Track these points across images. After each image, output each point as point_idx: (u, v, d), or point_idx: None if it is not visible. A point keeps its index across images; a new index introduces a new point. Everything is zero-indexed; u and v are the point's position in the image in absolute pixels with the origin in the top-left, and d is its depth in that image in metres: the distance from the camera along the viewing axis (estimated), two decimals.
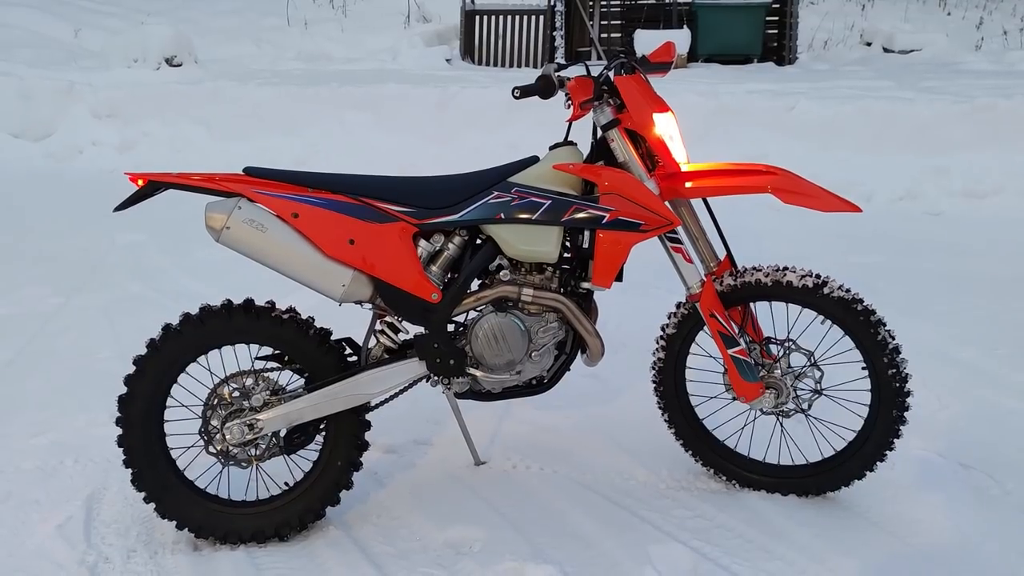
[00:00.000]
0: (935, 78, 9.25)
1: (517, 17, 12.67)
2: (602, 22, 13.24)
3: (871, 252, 5.55)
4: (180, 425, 2.61)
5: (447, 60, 12.47)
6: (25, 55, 10.87)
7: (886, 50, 13.19)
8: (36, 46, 11.74)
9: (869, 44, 13.60)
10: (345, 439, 2.64)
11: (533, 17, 12.59)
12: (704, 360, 2.87)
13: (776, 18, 12.74)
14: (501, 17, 12.70)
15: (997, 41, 13.45)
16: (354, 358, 2.70)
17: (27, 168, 8.12)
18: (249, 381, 2.61)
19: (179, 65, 10.75)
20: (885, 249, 5.63)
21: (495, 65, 12.68)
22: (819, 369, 2.72)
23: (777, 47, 12.78)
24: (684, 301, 2.77)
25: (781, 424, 2.84)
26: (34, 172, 8.04)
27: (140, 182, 2.54)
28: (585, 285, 2.64)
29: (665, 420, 2.91)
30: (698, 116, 7.30)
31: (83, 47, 12.30)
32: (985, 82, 8.60)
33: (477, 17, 12.72)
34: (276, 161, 7.63)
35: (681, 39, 11.75)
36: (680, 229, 2.67)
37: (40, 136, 8.63)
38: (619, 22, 13.26)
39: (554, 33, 12.70)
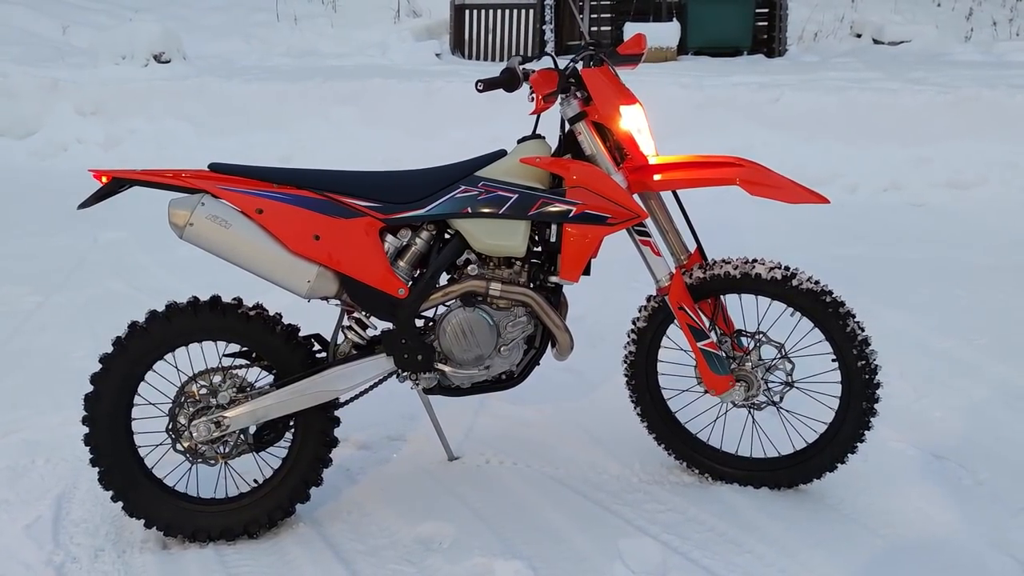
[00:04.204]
0: (923, 69, 9.24)
1: (507, 11, 12.66)
2: (592, 15, 13.21)
3: (854, 243, 5.54)
4: (149, 423, 2.60)
5: (437, 55, 12.44)
6: (13, 52, 10.82)
7: (876, 41, 13.20)
8: (24, 43, 11.70)
9: (859, 36, 13.61)
10: (314, 436, 2.62)
11: (523, 11, 12.57)
12: (676, 353, 2.86)
13: (766, 10, 12.73)
14: (491, 11, 12.68)
15: (986, 32, 13.45)
16: (323, 354, 2.69)
17: (11, 166, 8.09)
18: (217, 378, 2.59)
19: (167, 62, 10.71)
20: (868, 240, 5.62)
21: (485, 59, 12.67)
22: (790, 361, 2.71)
23: (767, 39, 12.78)
24: (654, 294, 2.76)
25: (753, 417, 2.83)
26: (18, 170, 8.01)
27: (104, 179, 2.52)
28: (553, 279, 2.63)
29: (637, 414, 2.91)
30: (683, 108, 7.30)
31: (71, 44, 12.26)
32: (973, 72, 8.60)
33: (467, 11, 12.70)
34: (262, 157, 7.64)
35: (670, 32, 11.74)
36: (649, 222, 2.66)
37: (24, 134, 8.59)
38: (609, 15, 13.23)
39: (544, 27, 12.68)
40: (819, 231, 5.68)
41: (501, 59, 12.59)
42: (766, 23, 12.81)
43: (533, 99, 2.55)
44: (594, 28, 13.23)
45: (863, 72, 9.21)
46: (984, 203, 6.22)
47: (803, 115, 7.23)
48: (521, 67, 2.55)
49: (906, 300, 4.53)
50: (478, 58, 12.71)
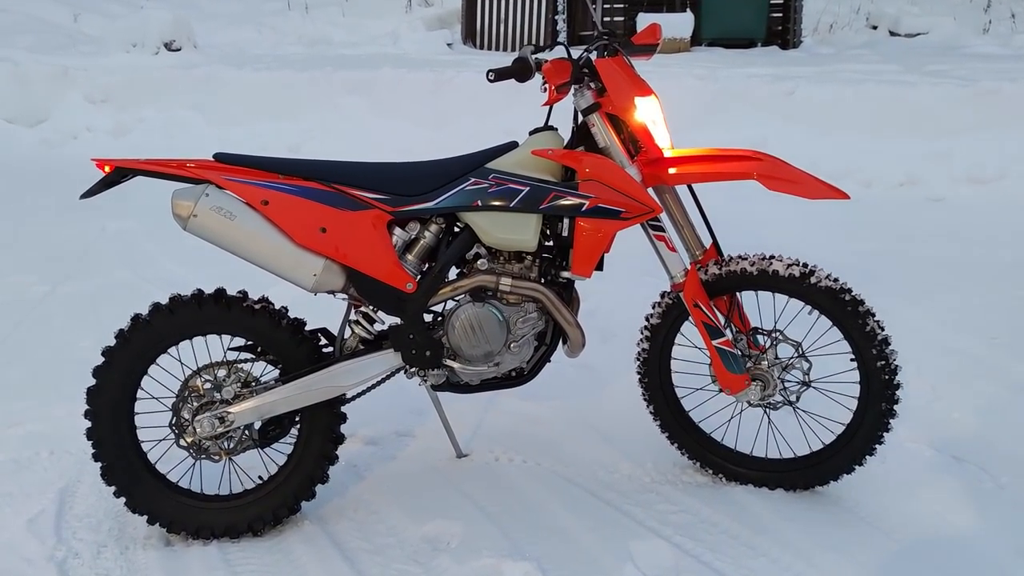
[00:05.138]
0: (941, 62, 9.12)
1: (519, 0, 12.55)
2: (605, 5, 13.09)
3: (871, 239, 5.46)
4: (152, 418, 2.56)
5: (448, 44, 12.38)
6: (25, 41, 10.80)
7: (892, 34, 13.06)
8: (36, 31, 11.67)
9: (875, 28, 13.47)
10: (320, 432, 2.57)
11: (535, 0, 12.47)
12: (691, 351, 2.80)
13: (780, 1, 12.59)
14: (503, 0, 12.58)
15: (1005, 24, 13.30)
16: (330, 349, 2.64)
17: (20, 154, 8.07)
18: (222, 373, 2.55)
19: (178, 50, 10.68)
20: (885, 236, 5.53)
21: (497, 49, 12.59)
22: (807, 360, 2.64)
23: (782, 31, 12.64)
24: (668, 291, 2.70)
25: (768, 416, 2.77)
26: (28, 158, 7.99)
27: (107, 168, 2.48)
28: (565, 274, 2.57)
29: (650, 412, 2.85)
30: (697, 100, 7.21)
31: (83, 32, 12.25)
32: (992, 66, 8.47)
33: (479, 0, 12.60)
34: (271, 146, 7.56)
35: (684, 22, 11.63)
36: (663, 217, 2.59)
37: (34, 122, 8.57)
38: (622, 5, 13.11)
39: (556, 17, 12.59)
40: (834, 226, 5.60)
41: (513, 49, 12.50)
42: (781, 14, 12.67)
43: (546, 89, 2.48)
44: (607, 18, 13.11)
45: (879, 64, 9.09)
46: (1004, 198, 6.11)
47: (819, 108, 7.13)
48: (533, 57, 2.49)
49: (922, 297, 4.45)
50: (490, 48, 12.63)
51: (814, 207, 4.80)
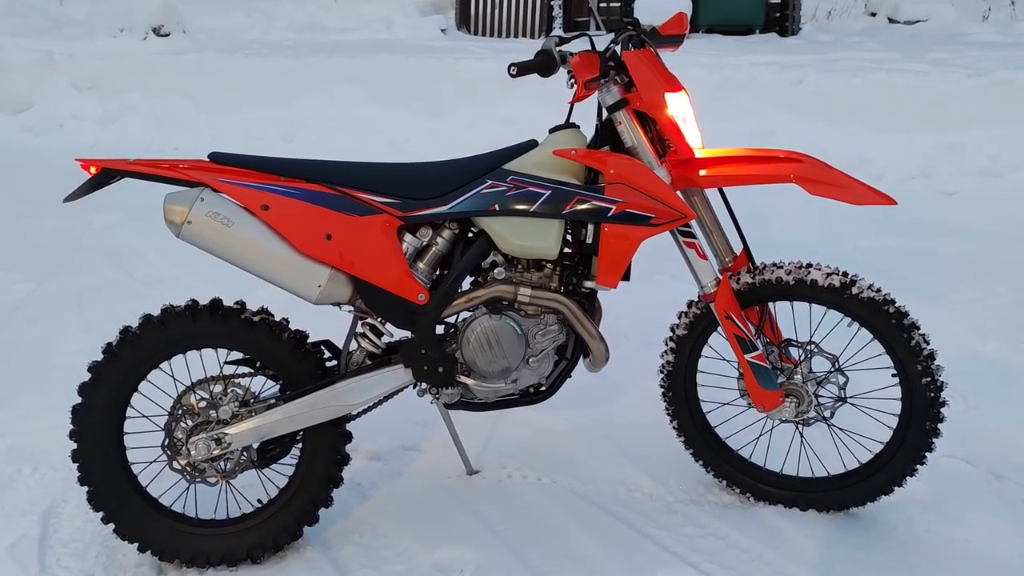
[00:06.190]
0: (943, 50, 8.96)
1: None
2: None
3: (883, 235, 5.30)
4: (143, 438, 2.37)
5: (442, 30, 12.14)
6: (7, 24, 10.50)
7: (891, 20, 12.90)
8: (19, 14, 11.36)
9: (874, 14, 13.31)
10: (323, 453, 2.39)
11: None
12: (717, 362, 2.63)
13: None
14: None
15: (1004, 11, 13.15)
16: (334, 363, 2.45)
17: (3, 143, 7.81)
18: (217, 388, 2.36)
19: (167, 35, 10.41)
20: (898, 231, 5.37)
21: (491, 35, 12.36)
22: (844, 375, 2.48)
23: (780, 17, 12.46)
24: (696, 300, 2.53)
25: (801, 433, 2.60)
26: (11, 147, 7.73)
27: (93, 170, 2.28)
28: (588, 284, 2.39)
29: (674, 427, 2.68)
30: (703, 90, 7.00)
31: (68, 16, 11.94)
32: (995, 54, 8.32)
33: None
34: (264, 135, 7.32)
35: (682, 9, 11.42)
36: (693, 222, 2.41)
37: (18, 109, 8.30)
38: None
39: (552, 2, 12.36)
40: (845, 221, 5.43)
41: (508, 35, 12.28)
42: (779, 0, 12.48)
43: (573, 85, 2.30)
44: (603, 4, 12.89)
45: (880, 52, 8.93)
46: (1018, 192, 5.96)
47: (827, 98, 6.95)
48: (558, 49, 2.30)
49: (943, 297, 4.29)
50: (484, 34, 12.40)
51: (822, 201, 4.66)
